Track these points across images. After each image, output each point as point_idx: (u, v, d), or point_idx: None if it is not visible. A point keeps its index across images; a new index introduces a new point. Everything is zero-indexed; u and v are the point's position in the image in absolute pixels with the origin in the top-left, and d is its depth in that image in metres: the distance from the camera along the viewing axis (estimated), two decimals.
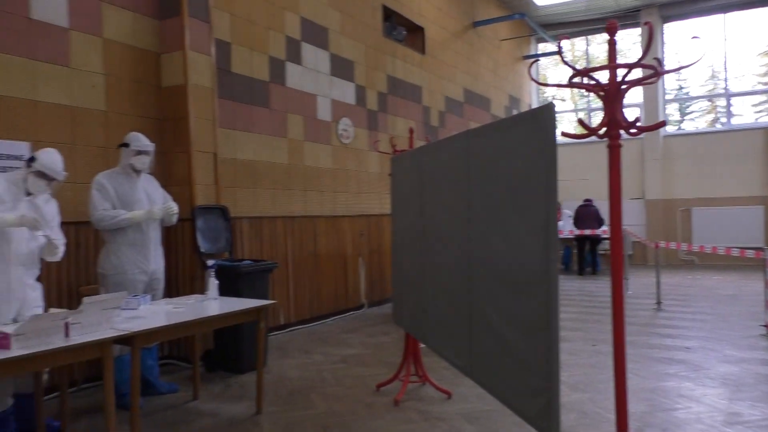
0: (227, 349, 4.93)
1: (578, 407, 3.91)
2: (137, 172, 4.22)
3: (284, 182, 6.64)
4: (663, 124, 2.31)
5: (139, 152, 4.15)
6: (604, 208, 11.77)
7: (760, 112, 13.23)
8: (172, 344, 5.18)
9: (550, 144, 2.16)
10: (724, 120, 13.44)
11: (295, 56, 6.87)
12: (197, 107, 5.33)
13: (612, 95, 2.11)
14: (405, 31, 9.22)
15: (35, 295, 3.53)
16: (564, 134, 2.28)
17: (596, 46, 14.96)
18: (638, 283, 9.35)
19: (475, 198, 2.84)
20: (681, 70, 2.81)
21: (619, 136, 2.14)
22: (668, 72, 2.15)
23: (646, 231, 13.08)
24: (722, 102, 13.45)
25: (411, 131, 4.75)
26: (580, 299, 8.67)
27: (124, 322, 3.29)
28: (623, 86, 2.08)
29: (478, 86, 11.49)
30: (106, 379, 3.05)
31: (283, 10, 6.68)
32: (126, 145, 4.17)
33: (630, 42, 14.14)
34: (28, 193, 3.47)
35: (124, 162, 4.19)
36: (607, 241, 11.43)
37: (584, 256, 11.66)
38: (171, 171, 5.27)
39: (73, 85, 4.66)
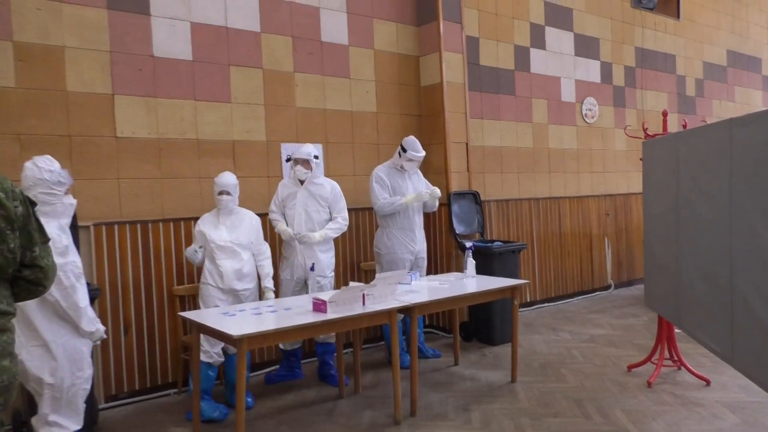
0: (480, 322, 5.46)
1: None
2: (406, 170, 4.90)
3: (529, 166, 6.92)
4: None
5: (411, 159, 4.81)
6: None
7: None
8: (433, 315, 5.89)
9: None
10: None
11: (539, 42, 7.04)
12: (451, 102, 5.89)
13: None
14: None
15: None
16: None
17: None
18: None
19: (738, 187, 2.84)
20: None
21: None
22: None
23: None
24: None
25: (665, 114, 4.65)
26: None
27: (403, 295, 3.97)
28: None
29: (746, 46, 10.23)
30: (393, 342, 3.74)
31: None
32: (403, 149, 4.85)
33: None
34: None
35: (396, 161, 4.89)
36: None
37: None
38: (429, 161, 5.91)
39: (352, 92, 5.54)
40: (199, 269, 4.16)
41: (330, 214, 4.46)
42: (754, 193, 2.70)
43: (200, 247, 3.98)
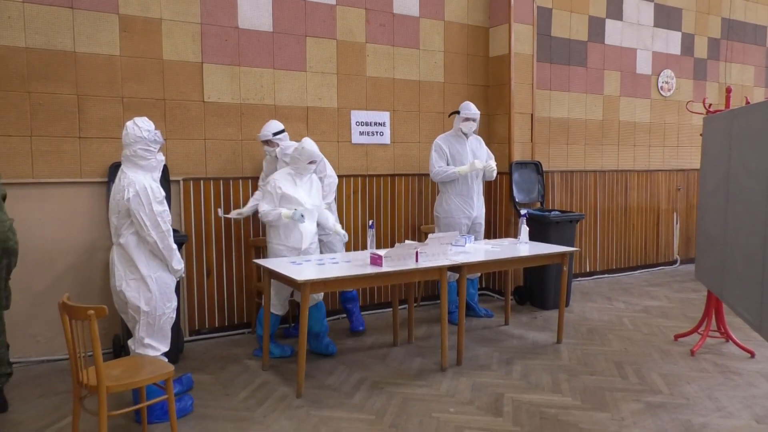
0: (535, 287, 5.68)
1: None
2: (465, 134, 5.15)
3: (597, 138, 6.93)
4: None
5: (467, 119, 5.06)
6: None
7: None
8: (489, 278, 6.16)
9: None
10: None
11: (617, 12, 6.96)
12: (518, 73, 6.02)
13: None
14: None
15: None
16: None
17: None
18: None
19: None
20: None
21: None
22: None
23: None
24: None
25: (728, 90, 4.61)
26: None
27: (455, 255, 4.27)
28: None
29: None
30: (442, 297, 4.08)
31: None
32: (457, 112, 5.11)
33: None
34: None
35: (456, 126, 5.15)
36: None
37: None
38: (494, 130, 6.12)
39: (421, 63, 5.79)
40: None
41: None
42: None
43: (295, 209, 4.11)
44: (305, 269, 3.78)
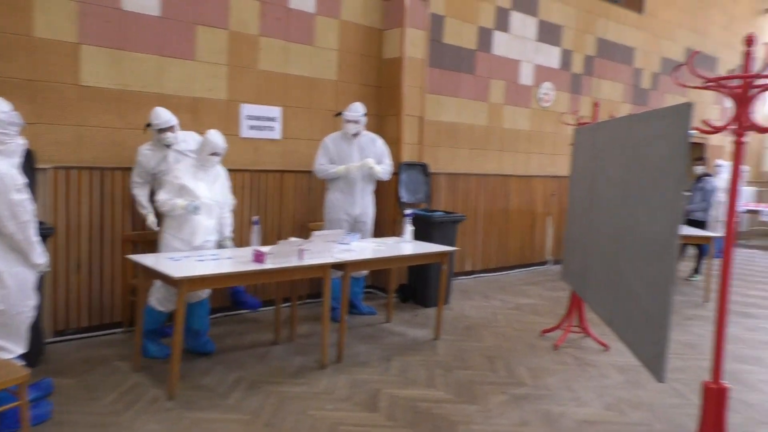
0: (418, 285, 5.87)
1: (735, 376, 4.07)
2: (352, 134, 5.21)
3: (482, 143, 7.27)
4: None
5: (348, 121, 5.13)
6: None
7: None
8: (375, 277, 6.28)
9: (683, 137, 2.52)
10: None
11: (504, 25, 7.33)
12: (410, 77, 6.18)
13: (742, 100, 2.38)
14: None
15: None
16: (695, 128, 2.57)
17: None
18: None
19: (631, 175, 3.23)
20: None
21: (744, 134, 2.41)
22: None
23: None
24: None
25: (596, 105, 5.02)
26: None
27: (340, 253, 4.32)
28: (753, 92, 2.34)
29: (705, 45, 10.65)
30: (324, 295, 4.11)
31: None
32: (340, 114, 5.18)
33: None
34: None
35: (342, 125, 5.21)
36: None
37: None
38: (384, 131, 6.23)
39: (314, 60, 5.78)
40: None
41: None
42: (640, 184, 3.10)
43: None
44: (183, 266, 3.66)
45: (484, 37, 7.13)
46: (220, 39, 5.11)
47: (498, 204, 7.50)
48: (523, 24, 7.54)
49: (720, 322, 2.64)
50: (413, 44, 6.18)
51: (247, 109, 5.34)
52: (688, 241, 7.19)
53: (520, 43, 7.55)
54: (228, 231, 4.41)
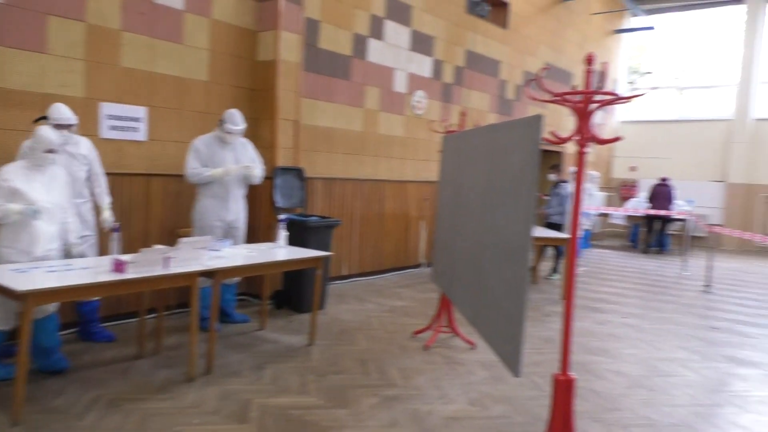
0: (293, 291, 5.81)
1: (585, 367, 4.45)
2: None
3: (357, 148, 7.37)
4: (617, 139, 2.79)
5: (229, 132, 4.99)
6: (679, 189, 11.74)
7: None
8: (249, 283, 6.13)
9: (534, 147, 2.71)
10: None
11: (378, 33, 7.48)
12: (284, 80, 6.12)
13: (582, 114, 2.62)
14: (489, 6, 9.52)
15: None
16: (544, 139, 2.78)
17: (695, 21, 14.39)
18: (701, 266, 9.42)
19: (491, 182, 3.42)
20: (638, 97, 3.21)
21: (585, 145, 2.65)
22: (628, 98, 2.62)
23: (725, 214, 12.82)
24: None
25: (463, 114, 5.27)
26: (633, 276, 8.93)
27: (210, 260, 4.17)
28: (592, 107, 2.58)
29: (562, 61, 11.58)
30: (192, 305, 3.95)
31: None
32: (223, 121, 5.00)
33: (733, 21, 13.49)
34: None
35: (218, 132, 5.04)
36: (679, 222, 11.54)
37: (652, 234, 11.74)
38: (258, 135, 6.11)
39: (184, 59, 5.54)
40: None
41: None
42: (499, 190, 3.29)
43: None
44: (30, 278, 3.35)
45: (359, 44, 7.24)
46: (76, 31, 4.74)
47: (373, 208, 7.63)
48: (396, 33, 7.75)
49: (567, 319, 2.87)
50: (288, 48, 6.13)
51: (108, 108, 5.00)
52: (546, 242, 7.76)
53: (394, 52, 7.74)
54: (73, 237, 4.07)
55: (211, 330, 4.09)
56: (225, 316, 5.21)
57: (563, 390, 2.83)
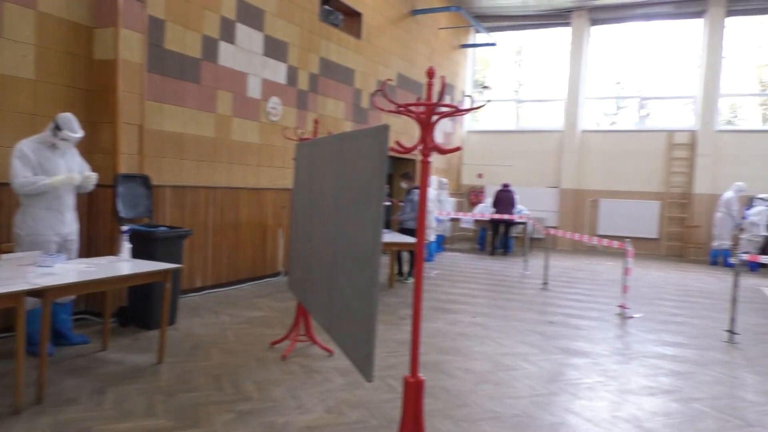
0: (139, 307, 5.44)
1: (437, 366, 4.64)
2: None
3: (210, 155, 7.09)
4: (458, 149, 2.97)
5: (66, 139, 4.53)
6: (520, 194, 12.78)
7: (670, 116, 14.47)
8: (88, 301, 5.64)
9: (381, 156, 2.78)
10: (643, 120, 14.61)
11: (229, 36, 7.26)
12: (126, 81, 5.72)
13: (425, 125, 2.74)
14: (342, 15, 9.66)
15: None
16: (391, 149, 2.88)
17: (532, 39, 15.77)
18: (540, 265, 10.28)
19: (342, 190, 3.45)
20: (476, 110, 3.50)
21: (429, 154, 2.78)
22: (467, 111, 2.79)
23: (559, 217, 14.16)
24: (649, 103, 14.60)
25: (316, 122, 5.28)
26: (481, 277, 9.52)
27: (38, 277, 3.77)
28: (434, 118, 2.71)
29: (413, 72, 12.07)
30: (18, 328, 3.54)
31: None
32: (59, 127, 4.52)
33: (562, 39, 14.95)
34: None
35: (49, 136, 4.53)
36: (520, 225, 12.55)
37: (497, 237, 12.62)
38: (97, 140, 5.65)
39: (5, 54, 4.97)
40: None
41: None
42: (349, 197, 3.33)
43: None
44: None
45: (210, 47, 6.99)
46: None
47: (228, 217, 7.39)
48: (249, 37, 7.59)
49: (416, 324, 2.98)
50: (129, 46, 5.74)
51: None
52: (400, 247, 8.02)
53: (246, 56, 7.57)
54: None
55: (42, 354, 3.69)
56: (61, 338, 4.74)
57: (413, 391, 2.92)
